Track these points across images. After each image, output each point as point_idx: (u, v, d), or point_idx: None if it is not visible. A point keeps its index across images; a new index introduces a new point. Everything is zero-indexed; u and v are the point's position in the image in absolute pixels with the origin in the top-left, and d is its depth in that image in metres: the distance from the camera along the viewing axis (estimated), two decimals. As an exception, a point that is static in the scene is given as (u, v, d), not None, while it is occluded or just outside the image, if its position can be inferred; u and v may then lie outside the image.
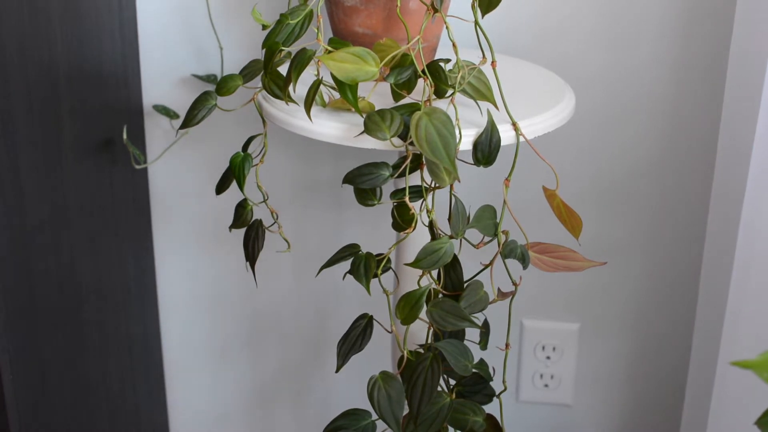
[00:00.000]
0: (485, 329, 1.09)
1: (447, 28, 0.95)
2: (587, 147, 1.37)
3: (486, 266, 1.01)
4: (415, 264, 0.96)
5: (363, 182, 1.02)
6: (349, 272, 1.03)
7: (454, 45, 0.95)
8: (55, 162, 1.17)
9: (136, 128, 1.39)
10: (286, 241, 1.17)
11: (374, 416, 1.03)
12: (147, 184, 1.46)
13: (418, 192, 0.99)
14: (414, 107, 0.94)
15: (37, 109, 1.13)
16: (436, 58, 1.04)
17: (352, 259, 1.03)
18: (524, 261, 1.03)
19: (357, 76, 0.90)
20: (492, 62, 0.96)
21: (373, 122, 0.93)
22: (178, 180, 1.46)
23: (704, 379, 1.27)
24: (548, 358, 1.48)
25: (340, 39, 1.10)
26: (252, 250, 1.16)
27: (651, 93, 1.33)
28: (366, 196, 1.05)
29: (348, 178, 1.02)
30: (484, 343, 1.08)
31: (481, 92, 0.96)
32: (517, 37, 1.31)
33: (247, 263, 1.17)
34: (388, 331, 1.03)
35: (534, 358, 1.49)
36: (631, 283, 1.44)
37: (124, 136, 1.26)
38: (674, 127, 1.34)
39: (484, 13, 0.95)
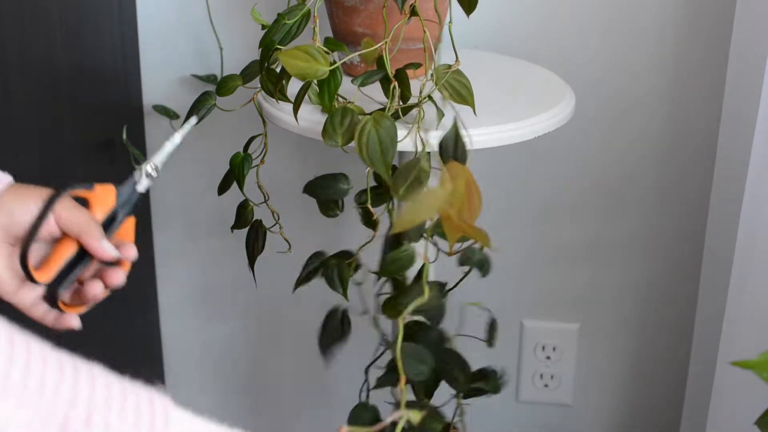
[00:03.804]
0: (492, 328, 1.07)
1: (425, 30, 0.94)
2: (587, 147, 1.36)
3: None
4: (381, 273, 0.97)
5: (320, 194, 1.03)
6: (322, 277, 1.05)
7: (425, 49, 0.95)
8: (55, 162, 1.17)
9: (136, 128, 1.39)
10: (287, 241, 1.17)
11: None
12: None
13: (381, 196, 1.00)
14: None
15: (37, 109, 1.13)
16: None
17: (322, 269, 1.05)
18: (482, 269, 1.00)
19: (308, 73, 0.92)
20: (455, 61, 0.96)
21: (330, 125, 0.94)
22: (178, 180, 1.46)
23: (704, 379, 1.27)
24: (548, 358, 1.49)
25: (340, 39, 1.10)
26: (253, 250, 1.16)
27: (651, 93, 1.33)
28: (327, 206, 1.05)
29: (308, 187, 1.03)
30: (490, 341, 1.07)
31: (461, 95, 0.96)
32: (517, 37, 1.31)
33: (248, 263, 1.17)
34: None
35: (534, 358, 1.49)
36: (631, 283, 1.44)
37: (124, 136, 1.26)
38: (674, 127, 1.34)
39: (468, 12, 0.95)
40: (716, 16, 1.27)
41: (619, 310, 1.46)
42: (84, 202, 0.80)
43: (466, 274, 1.00)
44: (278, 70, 1.01)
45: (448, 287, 1.02)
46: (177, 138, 0.85)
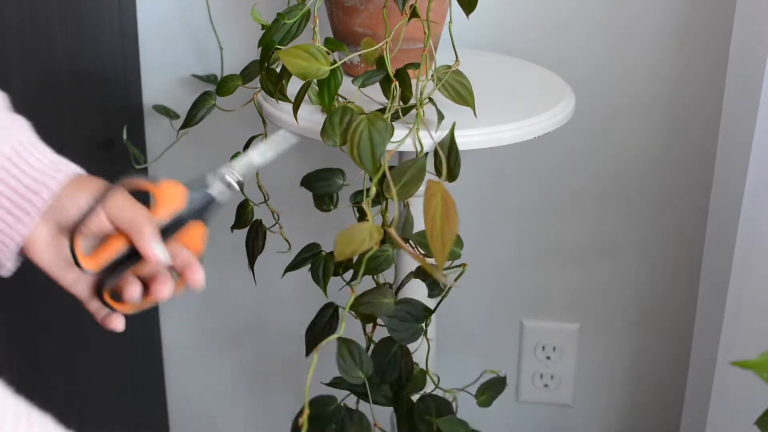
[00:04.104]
0: (500, 383, 1.06)
1: (427, 31, 0.94)
2: (587, 147, 1.37)
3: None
4: (356, 267, 0.96)
5: (317, 188, 1.03)
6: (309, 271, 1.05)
7: (426, 49, 0.95)
8: (55, 162, 1.17)
9: (136, 128, 1.39)
10: (287, 241, 1.17)
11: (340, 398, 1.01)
12: (147, 184, 1.46)
13: (377, 198, 1.00)
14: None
15: (37, 109, 1.12)
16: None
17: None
18: (432, 288, 0.98)
19: (308, 72, 0.92)
20: (455, 61, 0.96)
21: (329, 125, 0.94)
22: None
23: (704, 379, 1.27)
24: (548, 358, 1.49)
25: (340, 39, 1.10)
26: (253, 250, 1.16)
27: (651, 93, 1.33)
28: (322, 201, 1.06)
29: (305, 181, 1.04)
30: (484, 399, 1.05)
31: (462, 96, 0.96)
32: (517, 37, 1.31)
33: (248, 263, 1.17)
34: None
35: (534, 358, 1.49)
36: (631, 283, 1.44)
37: (124, 136, 1.26)
38: (674, 127, 1.34)
39: (468, 12, 0.95)
40: (716, 16, 1.27)
41: (619, 310, 1.46)
42: (146, 199, 0.78)
43: (444, 295, 0.99)
44: (278, 70, 1.01)
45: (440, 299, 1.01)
46: (269, 153, 0.80)
